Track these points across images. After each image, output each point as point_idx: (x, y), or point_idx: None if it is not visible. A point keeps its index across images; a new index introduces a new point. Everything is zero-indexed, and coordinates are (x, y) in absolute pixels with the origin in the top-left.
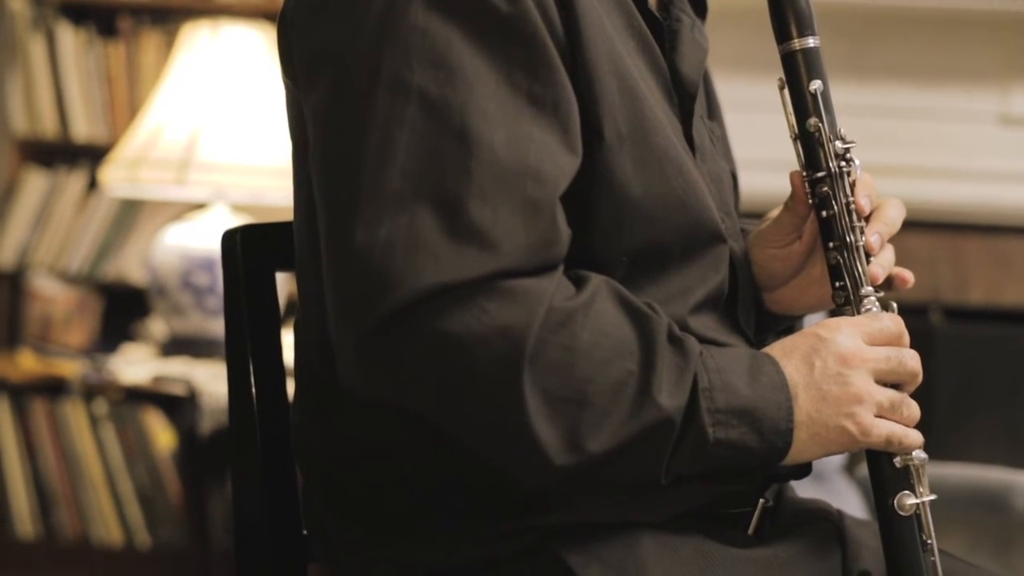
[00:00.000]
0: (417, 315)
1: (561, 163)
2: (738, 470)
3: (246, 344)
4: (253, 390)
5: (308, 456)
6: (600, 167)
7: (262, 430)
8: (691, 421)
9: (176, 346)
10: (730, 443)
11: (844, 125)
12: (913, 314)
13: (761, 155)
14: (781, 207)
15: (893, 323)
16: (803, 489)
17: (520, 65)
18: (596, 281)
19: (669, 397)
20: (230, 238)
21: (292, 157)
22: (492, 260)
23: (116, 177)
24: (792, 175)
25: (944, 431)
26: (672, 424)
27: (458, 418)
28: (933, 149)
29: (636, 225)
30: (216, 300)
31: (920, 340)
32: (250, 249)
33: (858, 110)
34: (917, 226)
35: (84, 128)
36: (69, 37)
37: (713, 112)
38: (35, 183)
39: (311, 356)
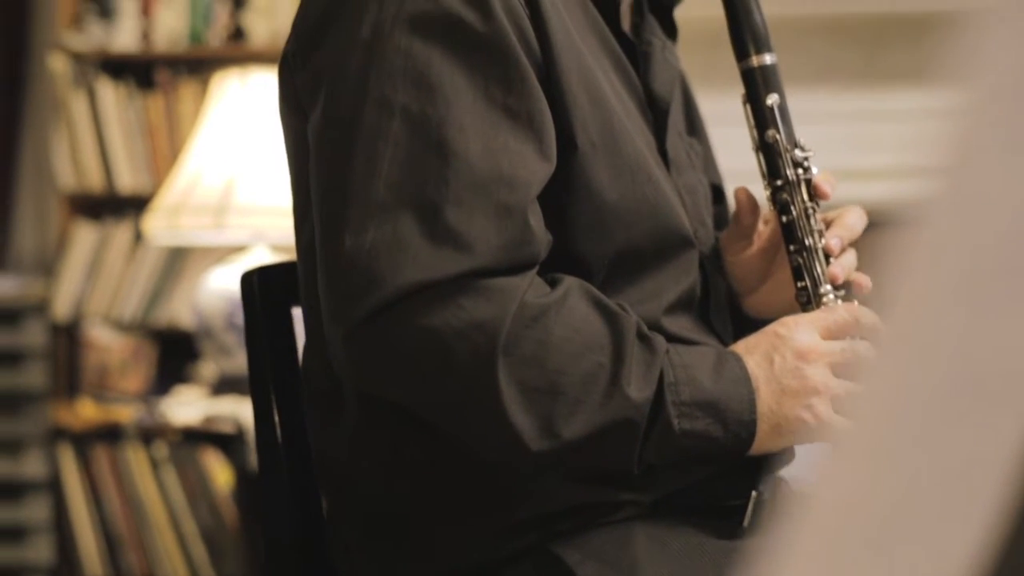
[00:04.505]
0: (399, 311)
1: (534, 169)
2: (706, 459)
3: (268, 378)
4: (276, 419)
5: (325, 472)
6: (576, 174)
7: (287, 455)
8: (658, 413)
9: (225, 385)
10: (695, 434)
11: (857, 131)
12: None
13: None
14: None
15: (848, 313)
16: None
17: (496, 80)
18: (569, 281)
19: (637, 390)
20: (248, 280)
21: (292, 188)
22: (467, 260)
23: (158, 226)
24: (736, 191)
25: None
26: (640, 415)
27: (439, 407)
28: None
29: (613, 229)
30: None
31: None
32: (267, 289)
33: (872, 115)
34: None
35: (129, 180)
36: (109, 92)
37: (694, 129)
38: (85, 236)
39: (318, 376)
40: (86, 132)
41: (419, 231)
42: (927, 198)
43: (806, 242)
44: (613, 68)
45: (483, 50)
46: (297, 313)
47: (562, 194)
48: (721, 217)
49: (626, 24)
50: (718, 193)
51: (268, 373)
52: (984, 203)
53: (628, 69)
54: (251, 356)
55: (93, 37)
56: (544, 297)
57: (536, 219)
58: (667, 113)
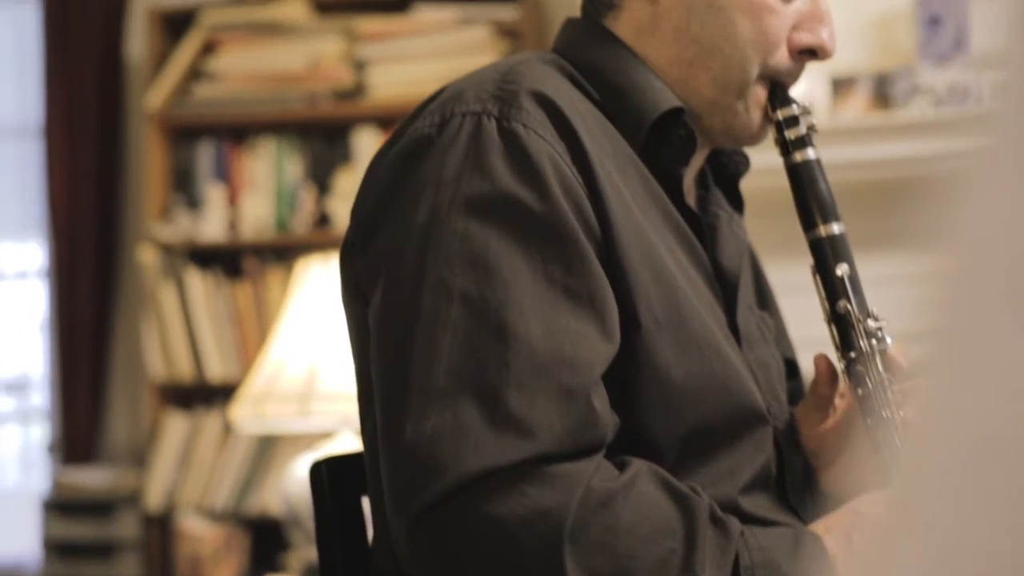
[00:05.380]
0: (462, 500)
1: (597, 350)
2: None
3: (338, 569)
4: None
5: None
6: (641, 353)
7: None
8: None
9: (314, 575)
10: None
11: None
12: None
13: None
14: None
15: None
16: None
17: (555, 260)
18: (638, 464)
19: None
20: (317, 469)
21: (356, 377)
22: (530, 446)
23: (244, 414)
24: (816, 358)
25: None
26: None
27: None
28: None
29: (682, 408)
30: None
31: None
32: (336, 478)
33: None
34: None
35: (218, 368)
36: (197, 282)
37: (764, 302)
38: (176, 426)
39: (386, 566)
40: (175, 322)
41: (480, 417)
42: (929, 367)
43: (884, 415)
44: (678, 243)
45: (541, 230)
46: (368, 503)
47: (628, 373)
48: (796, 391)
49: (691, 198)
50: (791, 367)
51: (338, 563)
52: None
53: (694, 243)
54: (320, 546)
55: (181, 228)
56: (611, 481)
57: (600, 401)
58: (736, 287)
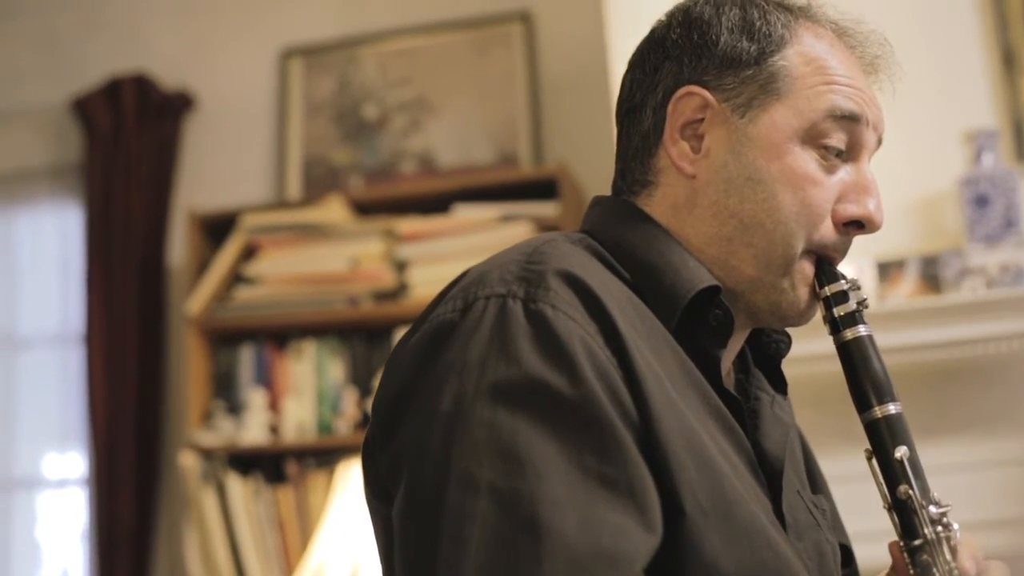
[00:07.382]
0: None
1: (637, 542)
2: None
3: None
4: None
5: None
6: (687, 544)
7: None
8: None
9: None
10: None
11: (998, 478)
12: None
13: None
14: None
15: None
16: None
17: (589, 448)
18: None
19: None
20: None
21: None
22: None
23: None
24: (891, 546)
25: None
26: None
27: None
28: None
29: None
30: None
31: None
32: None
33: (1015, 462)
34: None
35: (259, 575)
36: (238, 488)
37: (816, 485)
38: None
39: None
40: (216, 528)
41: None
42: None
43: None
44: (719, 429)
45: (573, 416)
46: None
47: (672, 566)
48: None
49: (729, 382)
50: (847, 554)
51: None
52: None
53: (735, 429)
54: None
55: (222, 433)
56: None
57: None
58: (781, 473)
